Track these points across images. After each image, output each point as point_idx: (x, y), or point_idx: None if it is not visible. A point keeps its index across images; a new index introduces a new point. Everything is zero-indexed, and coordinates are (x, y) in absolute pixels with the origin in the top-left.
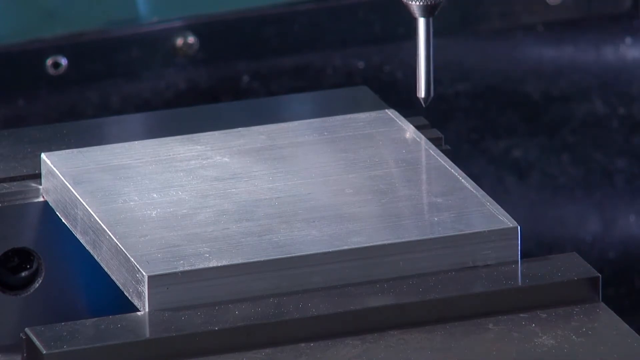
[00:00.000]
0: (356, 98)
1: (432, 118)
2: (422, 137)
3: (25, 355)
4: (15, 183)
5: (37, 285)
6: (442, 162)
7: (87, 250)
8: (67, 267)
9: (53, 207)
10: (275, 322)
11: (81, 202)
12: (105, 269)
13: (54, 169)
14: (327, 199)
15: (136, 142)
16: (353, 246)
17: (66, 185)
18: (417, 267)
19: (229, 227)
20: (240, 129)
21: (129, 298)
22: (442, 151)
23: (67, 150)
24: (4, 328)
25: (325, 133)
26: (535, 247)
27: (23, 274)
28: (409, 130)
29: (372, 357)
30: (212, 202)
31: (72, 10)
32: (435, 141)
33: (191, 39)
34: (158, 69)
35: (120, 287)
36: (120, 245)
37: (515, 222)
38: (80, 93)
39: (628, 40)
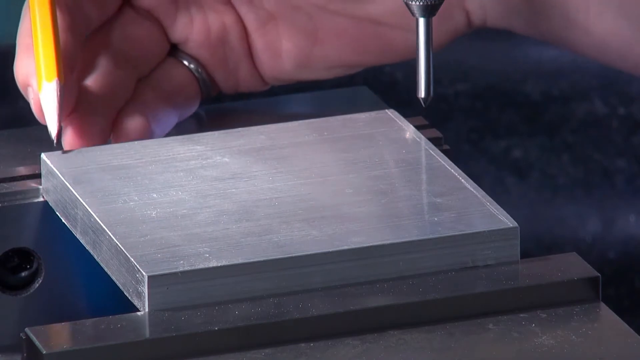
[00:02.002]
0: (356, 98)
1: (432, 118)
2: (422, 137)
3: (25, 355)
4: (15, 183)
5: (37, 285)
6: (442, 162)
7: (87, 250)
8: (67, 267)
9: (53, 207)
10: (275, 322)
11: (81, 202)
12: (105, 269)
13: (54, 169)
14: (327, 199)
15: (136, 142)
16: (353, 246)
17: (66, 185)
18: (417, 267)
19: (229, 227)
20: (240, 129)
21: (129, 298)
22: (442, 151)
23: (67, 150)
24: (4, 328)
25: (325, 133)
26: (535, 247)
27: (23, 274)
28: (409, 130)
29: (372, 357)
30: (212, 202)
31: None
32: (435, 141)
33: None
34: None
35: (120, 287)
36: (120, 245)
37: (515, 222)
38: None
39: None
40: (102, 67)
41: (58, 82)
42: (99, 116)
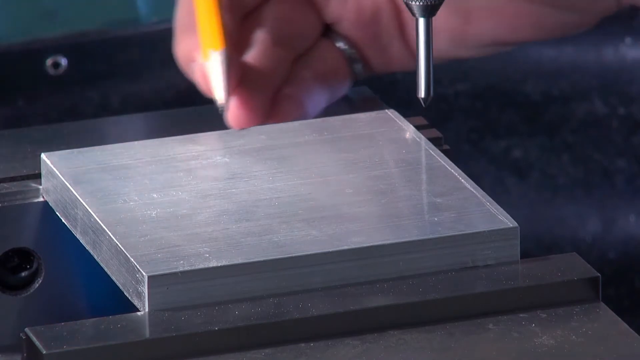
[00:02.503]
0: (356, 98)
1: (432, 118)
2: (422, 137)
3: (25, 355)
4: (15, 183)
5: (37, 285)
6: (442, 162)
7: (87, 250)
8: (67, 267)
9: (53, 207)
10: (275, 322)
11: (81, 202)
12: (105, 269)
13: (54, 169)
14: (327, 199)
15: (136, 142)
16: (353, 246)
17: (66, 185)
18: (417, 267)
19: (229, 227)
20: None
21: (129, 298)
22: (442, 151)
23: (67, 150)
24: (4, 328)
25: (325, 133)
26: (535, 247)
27: (23, 274)
28: (409, 130)
29: (372, 357)
30: (212, 202)
31: (72, 10)
32: (435, 141)
33: None
34: (158, 69)
35: (120, 287)
36: (120, 245)
37: (515, 222)
38: (80, 93)
39: (628, 40)
40: (261, 45)
41: (225, 50)
42: (261, 92)
